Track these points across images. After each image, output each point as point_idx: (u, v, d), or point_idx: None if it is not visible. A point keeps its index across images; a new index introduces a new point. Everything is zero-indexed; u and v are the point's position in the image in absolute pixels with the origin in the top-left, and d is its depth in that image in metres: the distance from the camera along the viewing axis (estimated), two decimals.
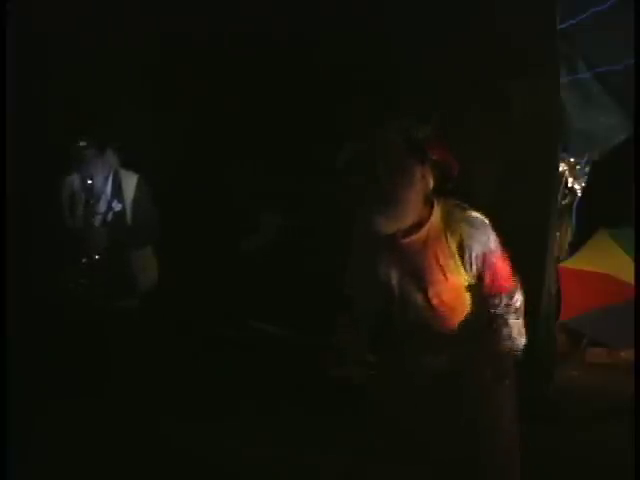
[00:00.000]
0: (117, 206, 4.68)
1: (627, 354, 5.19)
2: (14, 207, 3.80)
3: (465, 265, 2.68)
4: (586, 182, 6.31)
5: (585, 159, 6.20)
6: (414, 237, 2.67)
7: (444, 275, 2.68)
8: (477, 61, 4.32)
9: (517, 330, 2.74)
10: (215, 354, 4.86)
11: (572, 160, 6.17)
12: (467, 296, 2.74)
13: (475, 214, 2.71)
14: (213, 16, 4.74)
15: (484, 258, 2.68)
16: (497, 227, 4.10)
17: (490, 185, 4.33)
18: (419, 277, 2.70)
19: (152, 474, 3.66)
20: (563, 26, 4.88)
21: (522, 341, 2.76)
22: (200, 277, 5.23)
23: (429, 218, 2.67)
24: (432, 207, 2.68)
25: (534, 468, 3.38)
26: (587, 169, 6.29)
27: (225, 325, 5.14)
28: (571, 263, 5.66)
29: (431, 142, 2.64)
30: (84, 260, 4.61)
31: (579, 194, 6.35)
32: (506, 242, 4.21)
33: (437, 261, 2.67)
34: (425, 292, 2.70)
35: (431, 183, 2.64)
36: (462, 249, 2.66)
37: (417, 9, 4.39)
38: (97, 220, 4.69)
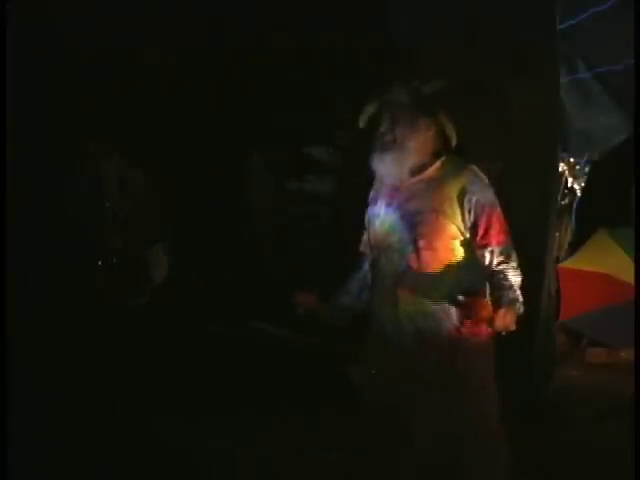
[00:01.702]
0: (127, 206, 4.70)
1: (627, 354, 5.20)
2: (26, 210, 3.83)
3: (463, 210, 2.72)
4: (586, 182, 6.31)
5: (585, 159, 6.20)
6: (416, 178, 2.77)
7: (437, 217, 2.72)
8: (477, 61, 4.32)
9: (517, 285, 2.75)
10: (215, 353, 4.86)
11: (572, 160, 6.16)
12: (457, 247, 2.76)
13: (478, 169, 2.80)
14: (215, 16, 4.74)
15: (483, 208, 2.73)
16: None
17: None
18: (413, 218, 2.75)
19: (152, 473, 3.65)
20: (563, 26, 4.87)
21: (521, 297, 2.76)
22: (201, 277, 5.24)
23: (434, 164, 2.78)
24: (439, 158, 2.80)
25: (534, 468, 3.39)
26: (587, 169, 6.28)
27: (225, 325, 5.14)
28: (571, 263, 5.67)
29: (439, 96, 2.77)
30: (99, 262, 4.63)
31: (579, 194, 6.34)
32: None
33: (435, 203, 2.73)
34: (415, 233, 2.74)
35: (438, 137, 2.79)
36: (463, 194, 2.72)
37: (417, 9, 4.38)
38: (109, 221, 4.70)
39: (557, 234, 5.58)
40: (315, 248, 4.94)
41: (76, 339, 4.48)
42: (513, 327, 2.73)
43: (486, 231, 2.74)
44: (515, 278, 2.76)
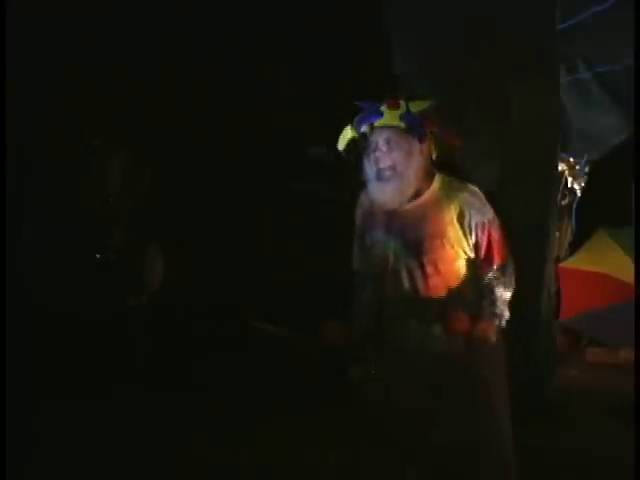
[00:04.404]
0: (131, 205, 4.71)
1: (627, 354, 5.20)
2: (30, 207, 3.83)
3: (465, 232, 2.72)
4: (586, 182, 6.31)
5: (585, 159, 6.19)
6: (414, 204, 2.74)
7: (442, 243, 2.72)
8: (477, 61, 4.31)
9: (502, 300, 2.75)
10: (215, 353, 4.87)
11: (572, 160, 6.16)
12: (462, 268, 2.76)
13: (475, 187, 2.77)
14: (217, 17, 4.75)
15: (483, 227, 2.72)
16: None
17: (490, 185, 4.33)
18: (418, 245, 2.73)
19: (152, 473, 3.65)
20: (563, 26, 4.87)
21: (506, 312, 2.76)
22: (201, 277, 5.24)
23: (429, 187, 2.75)
24: (433, 178, 2.77)
25: (534, 468, 3.39)
26: (587, 169, 6.28)
27: (225, 325, 5.15)
28: (571, 263, 5.67)
29: (427, 117, 2.73)
30: (97, 258, 4.63)
31: (579, 194, 6.34)
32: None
33: (436, 228, 2.72)
34: (422, 260, 2.73)
35: (430, 157, 2.76)
36: (462, 216, 2.71)
37: (417, 9, 4.38)
38: (111, 219, 4.72)
39: (557, 234, 5.58)
40: (315, 248, 4.95)
41: (75, 338, 4.48)
42: (493, 339, 2.74)
43: (487, 253, 2.75)
44: (503, 293, 2.76)
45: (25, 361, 3.94)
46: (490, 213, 2.75)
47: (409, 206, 2.75)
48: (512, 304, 3.88)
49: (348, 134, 2.78)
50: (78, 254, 4.71)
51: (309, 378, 4.51)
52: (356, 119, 2.75)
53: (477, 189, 2.78)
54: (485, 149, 4.36)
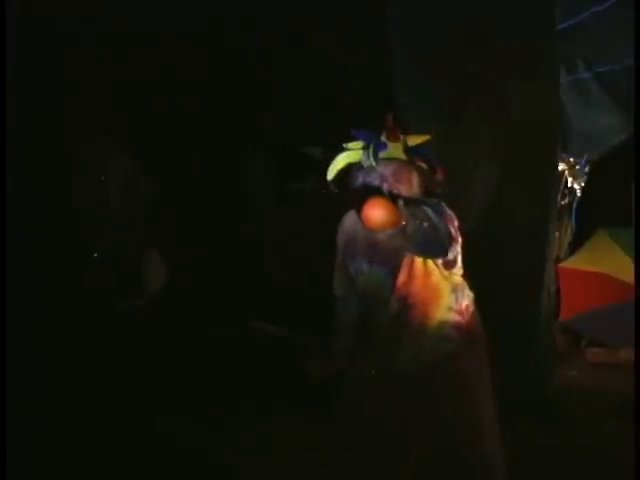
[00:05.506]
0: (132, 204, 4.72)
1: (627, 354, 5.20)
2: (29, 205, 3.83)
3: None
4: (586, 182, 6.31)
5: (584, 159, 6.20)
6: (393, 232, 2.72)
7: (425, 268, 2.76)
8: (477, 61, 4.32)
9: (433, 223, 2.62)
10: (215, 353, 4.87)
11: (572, 160, 6.16)
12: (442, 279, 2.79)
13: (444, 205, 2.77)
14: (218, 17, 4.75)
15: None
16: (497, 227, 4.12)
17: (490, 185, 4.34)
18: (404, 275, 2.76)
19: (152, 473, 3.66)
20: (563, 26, 4.88)
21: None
22: (201, 277, 5.24)
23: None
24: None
25: (534, 468, 3.40)
26: (587, 169, 6.28)
27: (225, 325, 5.15)
28: (571, 263, 5.67)
29: (417, 152, 2.76)
30: (95, 256, 4.64)
31: (579, 194, 6.35)
32: (506, 242, 4.23)
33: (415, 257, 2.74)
34: (408, 287, 2.77)
35: (416, 187, 2.76)
36: None
37: (417, 9, 4.38)
38: (112, 218, 4.73)
39: (557, 234, 5.59)
40: (314, 248, 4.95)
41: (75, 338, 4.49)
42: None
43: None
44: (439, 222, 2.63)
45: (25, 361, 3.95)
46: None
47: (389, 234, 2.75)
48: (510, 304, 3.90)
49: (339, 164, 2.80)
50: (79, 254, 4.71)
51: (309, 378, 4.51)
52: (362, 150, 2.75)
53: (445, 205, 2.76)
54: (485, 149, 4.36)
